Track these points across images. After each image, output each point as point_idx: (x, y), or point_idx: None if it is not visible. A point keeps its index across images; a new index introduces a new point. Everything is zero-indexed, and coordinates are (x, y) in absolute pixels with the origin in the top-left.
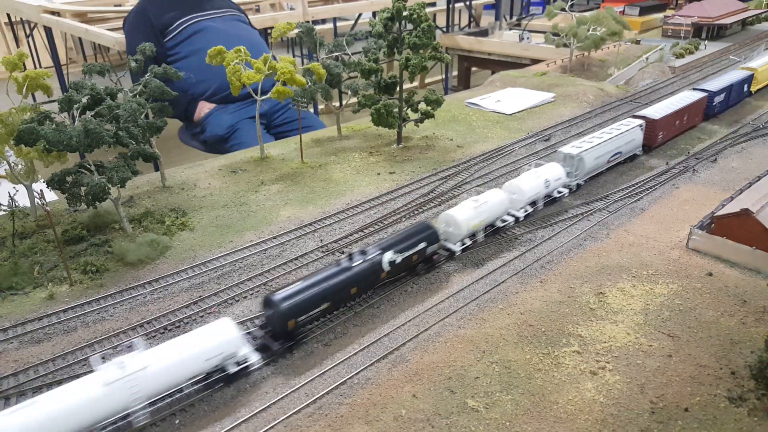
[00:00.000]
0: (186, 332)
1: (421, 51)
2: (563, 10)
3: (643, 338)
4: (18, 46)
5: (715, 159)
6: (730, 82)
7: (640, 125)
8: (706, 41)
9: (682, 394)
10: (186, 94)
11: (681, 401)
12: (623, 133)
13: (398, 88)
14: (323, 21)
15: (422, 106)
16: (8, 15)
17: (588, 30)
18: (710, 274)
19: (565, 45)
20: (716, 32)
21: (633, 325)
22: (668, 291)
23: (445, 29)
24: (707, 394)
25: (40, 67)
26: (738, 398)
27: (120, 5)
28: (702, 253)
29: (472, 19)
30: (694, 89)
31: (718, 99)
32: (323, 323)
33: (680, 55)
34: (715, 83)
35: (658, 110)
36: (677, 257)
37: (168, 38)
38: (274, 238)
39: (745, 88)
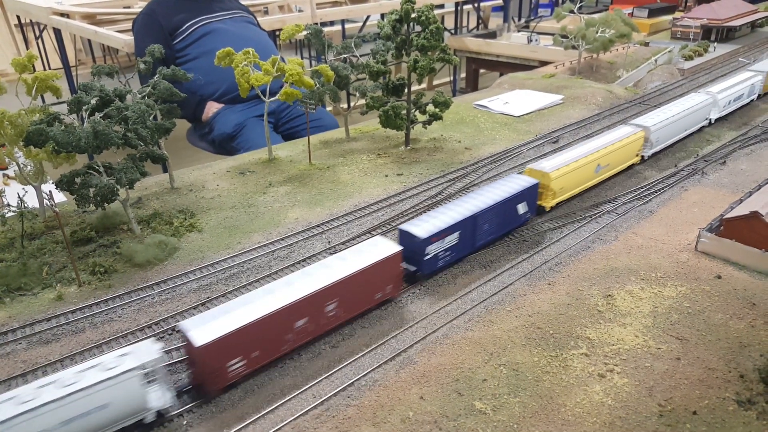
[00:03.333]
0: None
1: (429, 53)
2: (572, 12)
3: (652, 341)
4: (27, 48)
5: (724, 161)
6: (474, 210)
7: None
8: (716, 43)
9: (691, 397)
10: (195, 95)
11: (689, 404)
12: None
13: (406, 90)
14: (331, 23)
15: (430, 108)
16: (18, 17)
17: (597, 32)
18: (719, 277)
19: (573, 47)
20: (725, 34)
21: (641, 327)
22: (677, 293)
23: (453, 31)
24: (716, 397)
25: (50, 68)
26: (747, 401)
27: (129, 7)
28: (711, 255)
29: (480, 21)
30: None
31: (435, 248)
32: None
33: (689, 57)
34: (437, 220)
35: None
36: (686, 260)
37: (177, 40)
38: (282, 239)
39: (520, 211)
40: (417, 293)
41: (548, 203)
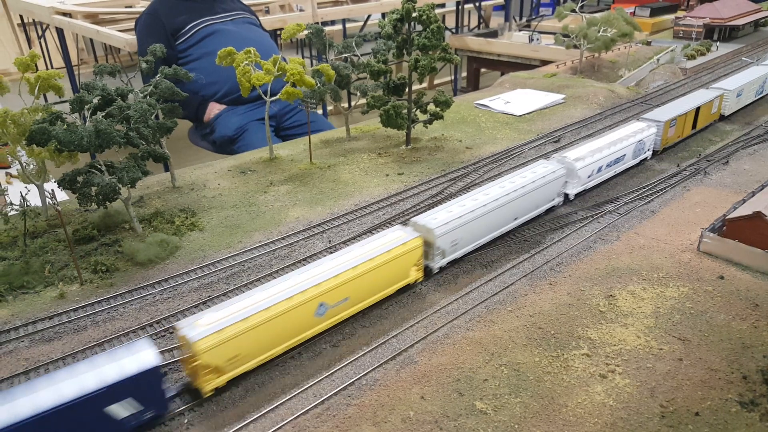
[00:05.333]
0: None
1: (430, 52)
2: (573, 11)
3: (654, 341)
4: (30, 47)
5: (727, 161)
6: None
7: None
8: (718, 42)
9: (693, 398)
10: (197, 95)
11: (691, 405)
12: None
13: (407, 90)
14: (332, 22)
15: (431, 107)
16: (21, 16)
17: (598, 31)
18: (722, 278)
19: (575, 46)
20: (728, 33)
21: (643, 328)
22: (679, 294)
23: (454, 30)
24: (718, 398)
25: (52, 67)
26: (750, 403)
27: (131, 6)
28: (713, 256)
29: (481, 21)
30: None
31: None
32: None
33: (692, 57)
34: None
35: None
36: (688, 260)
37: (180, 41)
38: (283, 238)
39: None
40: (417, 292)
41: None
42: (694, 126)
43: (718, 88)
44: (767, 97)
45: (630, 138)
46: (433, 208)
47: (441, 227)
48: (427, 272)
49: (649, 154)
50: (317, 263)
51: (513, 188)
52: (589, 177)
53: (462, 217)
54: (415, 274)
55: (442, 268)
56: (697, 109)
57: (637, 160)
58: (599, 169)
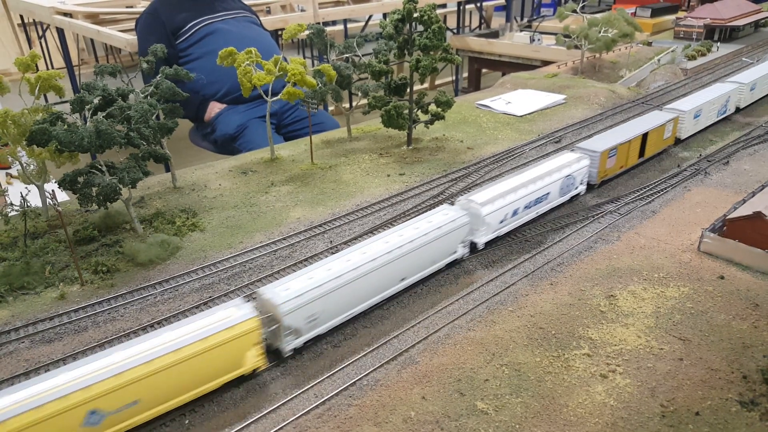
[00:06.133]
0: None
1: (431, 52)
2: (574, 11)
3: (654, 341)
4: (31, 47)
5: (727, 161)
6: None
7: None
8: (719, 43)
9: (693, 397)
10: (197, 95)
11: (692, 405)
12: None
13: (408, 90)
14: (334, 22)
15: (432, 107)
16: (21, 16)
17: (599, 32)
18: (722, 278)
19: (576, 47)
20: (729, 34)
21: (644, 328)
22: (679, 294)
23: (455, 31)
24: (718, 398)
25: (53, 68)
26: (750, 402)
27: (132, 6)
28: (714, 256)
29: (482, 21)
30: None
31: None
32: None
33: (692, 57)
34: None
35: None
36: (689, 260)
37: (180, 40)
38: (284, 239)
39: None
40: (419, 293)
41: None
42: (641, 154)
43: (672, 110)
44: (732, 117)
45: (555, 173)
46: (303, 268)
47: (291, 301)
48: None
49: (582, 188)
50: (88, 360)
51: (398, 244)
52: (501, 222)
53: (324, 285)
54: (253, 362)
55: (298, 349)
56: (645, 135)
57: (567, 197)
58: (515, 213)
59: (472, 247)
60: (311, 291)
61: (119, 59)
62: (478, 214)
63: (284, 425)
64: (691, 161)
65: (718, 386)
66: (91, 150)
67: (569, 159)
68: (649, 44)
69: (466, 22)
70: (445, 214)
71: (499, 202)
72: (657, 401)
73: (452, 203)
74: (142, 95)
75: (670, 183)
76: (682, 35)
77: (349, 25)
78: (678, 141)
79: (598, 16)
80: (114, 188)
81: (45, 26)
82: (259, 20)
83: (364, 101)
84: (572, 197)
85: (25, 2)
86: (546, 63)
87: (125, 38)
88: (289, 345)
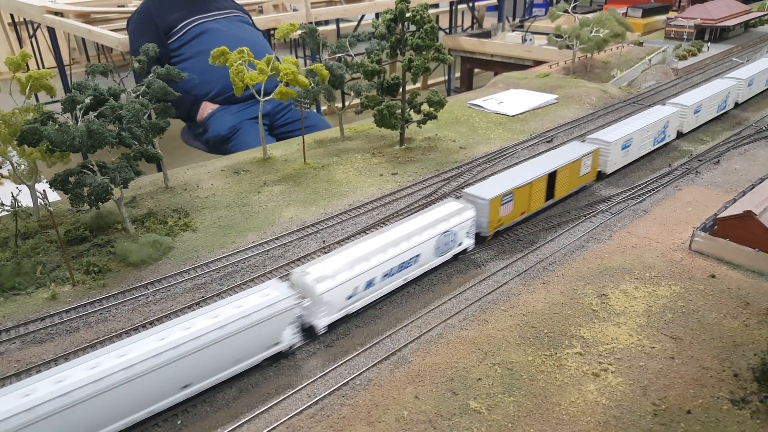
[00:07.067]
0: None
1: (423, 52)
2: (566, 11)
3: (646, 340)
4: (21, 47)
5: (718, 161)
6: None
7: None
8: (709, 43)
9: (685, 396)
10: (189, 95)
11: (683, 403)
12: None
13: (401, 90)
14: (326, 22)
15: (425, 107)
16: (12, 15)
17: (591, 32)
18: (713, 276)
19: (567, 47)
20: (719, 34)
21: (635, 326)
22: (671, 293)
23: (448, 30)
24: (710, 396)
25: (44, 67)
26: (741, 400)
27: (123, 6)
28: (705, 254)
29: (474, 21)
30: None
31: None
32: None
33: (683, 57)
34: None
35: None
36: (680, 259)
37: (172, 39)
38: (277, 239)
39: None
40: (411, 292)
41: None
42: (550, 196)
43: (595, 140)
44: (673, 143)
45: (428, 231)
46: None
47: None
48: None
49: (469, 242)
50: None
51: (177, 342)
52: (349, 299)
53: (55, 401)
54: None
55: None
56: (552, 175)
57: (448, 256)
58: (368, 284)
59: (312, 331)
60: (33, 409)
61: (111, 59)
62: (312, 293)
63: (277, 425)
64: (682, 160)
65: (709, 384)
66: (82, 150)
67: (450, 210)
68: (640, 44)
69: (459, 22)
70: (265, 295)
71: (342, 276)
72: (649, 400)
73: (286, 277)
74: (134, 95)
75: (661, 182)
76: (672, 35)
77: (341, 25)
78: (601, 175)
79: (589, 16)
80: (105, 188)
81: (36, 25)
82: (252, 20)
83: (357, 101)
84: (458, 253)
85: (16, 1)
86: (538, 63)
87: (117, 38)
88: None
